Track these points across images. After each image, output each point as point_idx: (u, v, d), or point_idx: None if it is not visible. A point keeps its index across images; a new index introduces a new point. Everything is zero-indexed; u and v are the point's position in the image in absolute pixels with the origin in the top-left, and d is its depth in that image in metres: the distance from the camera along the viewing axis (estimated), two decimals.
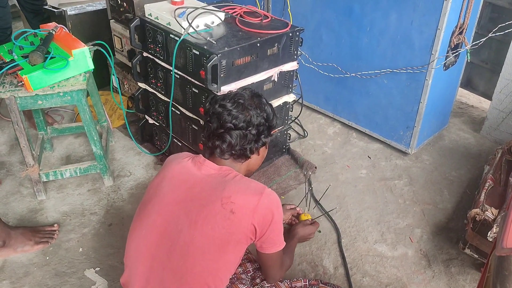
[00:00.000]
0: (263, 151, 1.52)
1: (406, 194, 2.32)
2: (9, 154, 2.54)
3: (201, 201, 1.27)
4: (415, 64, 2.31)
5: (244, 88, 1.52)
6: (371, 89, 2.57)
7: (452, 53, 2.32)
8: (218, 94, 1.97)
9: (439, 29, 2.15)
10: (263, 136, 1.44)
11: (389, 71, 2.43)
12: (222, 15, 2.18)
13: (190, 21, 2.01)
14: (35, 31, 2.15)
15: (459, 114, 3.01)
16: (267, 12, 2.84)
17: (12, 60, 1.96)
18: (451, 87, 2.63)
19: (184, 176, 1.35)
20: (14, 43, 2.05)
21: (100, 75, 2.83)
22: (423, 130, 2.52)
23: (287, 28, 2.14)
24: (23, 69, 1.92)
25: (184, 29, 2.00)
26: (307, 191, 2.28)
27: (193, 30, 2.01)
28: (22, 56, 1.98)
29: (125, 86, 2.90)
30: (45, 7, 2.82)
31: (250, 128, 1.39)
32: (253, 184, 1.34)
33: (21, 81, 1.93)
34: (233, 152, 1.40)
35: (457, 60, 2.43)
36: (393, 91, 2.47)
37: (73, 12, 2.85)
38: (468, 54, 2.37)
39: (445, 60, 2.29)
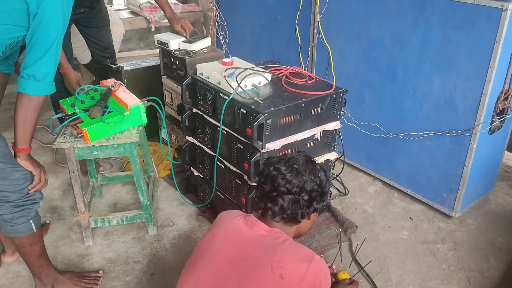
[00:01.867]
0: (314, 216, 1.54)
1: (450, 259, 2.26)
2: (61, 198, 2.68)
3: (252, 262, 1.31)
4: (459, 127, 2.31)
5: (298, 152, 1.56)
6: (413, 150, 2.58)
7: (498, 118, 2.32)
8: (263, 151, 2.04)
9: (483, 94, 2.16)
10: (315, 202, 1.46)
11: (432, 133, 2.44)
12: (269, 76, 2.29)
13: (239, 81, 2.13)
14: (96, 86, 2.32)
15: (506, 178, 2.94)
16: (311, 72, 2.95)
17: (74, 113, 2.12)
18: (497, 150, 2.59)
19: (236, 235, 1.40)
20: (76, 97, 2.23)
21: (150, 126, 2.96)
22: (467, 194, 2.48)
23: (331, 90, 2.22)
24: (83, 122, 2.07)
25: (233, 88, 2.12)
26: (340, 246, 2.26)
27: (242, 90, 2.12)
28: (83, 110, 2.14)
29: (173, 137, 3.03)
30: (104, 63, 3.04)
31: (302, 194, 1.42)
32: (303, 250, 1.36)
33: (80, 133, 2.07)
34: (284, 216, 1.43)
35: (503, 124, 2.42)
36: (436, 153, 2.46)
37: (129, 68, 3.06)
38: None
39: (491, 125, 2.28)
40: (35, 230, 1.85)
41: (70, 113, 2.14)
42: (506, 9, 1.98)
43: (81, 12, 2.73)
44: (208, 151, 2.41)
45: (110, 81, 2.36)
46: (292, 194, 1.41)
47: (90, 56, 3.31)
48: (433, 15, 2.25)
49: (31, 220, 1.82)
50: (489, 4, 2.02)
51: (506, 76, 2.21)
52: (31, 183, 1.80)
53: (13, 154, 1.78)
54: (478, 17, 2.08)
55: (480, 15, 2.07)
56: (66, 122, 2.09)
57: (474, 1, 2.07)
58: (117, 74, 2.97)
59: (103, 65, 3.07)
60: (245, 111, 2.05)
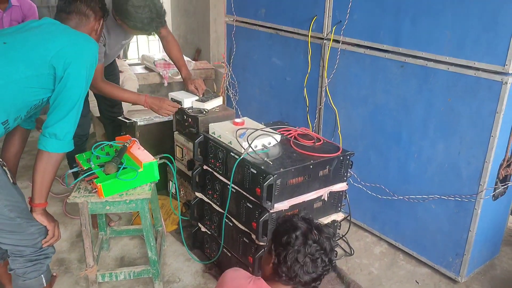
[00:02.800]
0: None
1: None
2: (69, 251, 2.70)
3: None
4: (463, 192, 2.36)
5: (318, 227, 1.53)
6: (418, 212, 2.61)
7: (501, 185, 2.37)
8: (272, 211, 2.09)
9: (486, 161, 2.23)
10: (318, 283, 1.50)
11: (437, 197, 2.49)
12: (278, 137, 2.38)
13: (249, 142, 2.21)
14: (111, 142, 2.41)
15: (511, 243, 2.94)
16: (319, 133, 3.05)
17: (89, 169, 2.19)
18: (501, 216, 2.63)
19: None
20: (92, 153, 2.31)
21: (159, 179, 3.02)
22: (473, 258, 2.48)
23: (339, 152, 2.30)
24: (98, 177, 2.14)
25: (244, 148, 2.20)
26: None
27: (252, 150, 2.20)
28: (98, 165, 2.22)
29: (181, 192, 3.09)
30: (119, 117, 3.15)
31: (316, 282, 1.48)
32: None
33: (95, 188, 2.13)
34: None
35: (506, 191, 2.47)
36: (442, 216, 2.50)
37: (142, 123, 3.17)
38: None
39: (494, 191, 2.33)
40: (45, 285, 1.88)
41: (85, 168, 2.21)
42: (506, 83, 2.08)
43: None
44: (217, 208, 2.45)
45: (126, 138, 2.45)
46: (323, 274, 1.47)
47: None
48: (436, 85, 2.36)
49: (42, 275, 1.86)
50: (490, 77, 2.13)
51: (508, 144, 2.28)
52: (45, 237, 1.85)
53: (29, 209, 1.84)
54: (479, 88, 2.19)
55: (481, 87, 2.18)
56: (81, 177, 2.16)
57: (475, 74, 2.18)
58: (131, 129, 3.07)
59: (116, 120, 3.18)
60: (255, 171, 2.11)
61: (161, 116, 3.05)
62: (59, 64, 1.71)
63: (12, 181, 1.78)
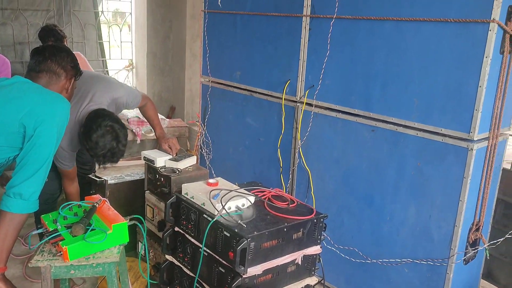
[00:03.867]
0: None
1: None
2: None
3: None
4: (435, 256, 2.37)
5: None
6: (391, 276, 2.59)
7: (472, 249, 2.40)
8: (244, 276, 2.03)
9: (456, 225, 2.27)
10: None
11: (409, 261, 2.48)
12: (252, 199, 2.36)
13: (223, 204, 2.18)
14: (80, 202, 2.34)
15: None
16: (292, 193, 3.05)
17: (55, 230, 2.10)
18: (473, 280, 2.64)
19: None
20: (59, 213, 2.23)
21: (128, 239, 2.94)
22: None
23: (312, 215, 2.29)
24: (64, 239, 2.05)
25: (218, 210, 2.16)
26: None
27: (226, 212, 2.17)
28: (65, 227, 2.13)
29: (151, 254, 2.99)
30: (89, 176, 3.09)
31: None
32: None
33: (60, 251, 2.04)
34: None
35: (477, 254, 2.49)
36: (414, 280, 2.49)
37: (112, 182, 3.11)
38: (487, 251, 2.44)
39: (465, 255, 2.35)
40: None
41: (51, 229, 2.12)
42: (472, 149, 2.17)
43: None
44: (188, 272, 2.37)
45: (96, 198, 2.38)
46: None
47: None
48: (406, 149, 2.43)
49: None
50: (456, 144, 2.22)
51: (476, 209, 2.34)
52: None
53: None
54: (446, 154, 2.26)
55: (449, 152, 2.25)
56: (46, 239, 2.06)
57: (443, 140, 2.27)
58: (101, 187, 3.01)
59: (86, 178, 3.11)
60: (228, 234, 2.07)
61: (132, 174, 3.00)
62: (30, 123, 1.68)
63: None
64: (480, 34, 2.09)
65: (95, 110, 2.45)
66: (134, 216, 2.35)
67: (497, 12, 2.02)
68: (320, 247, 2.37)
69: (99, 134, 2.33)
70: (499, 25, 2.05)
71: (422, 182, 2.39)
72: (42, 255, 2.05)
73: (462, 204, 2.23)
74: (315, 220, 2.29)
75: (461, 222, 2.25)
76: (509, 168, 3.23)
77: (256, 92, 3.29)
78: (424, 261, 2.42)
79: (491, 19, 2.04)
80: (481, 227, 2.39)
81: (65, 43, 3.84)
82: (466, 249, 2.36)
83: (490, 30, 2.05)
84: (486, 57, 2.08)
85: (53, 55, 1.98)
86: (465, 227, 2.30)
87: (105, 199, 2.37)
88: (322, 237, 2.36)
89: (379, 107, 2.53)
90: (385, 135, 2.52)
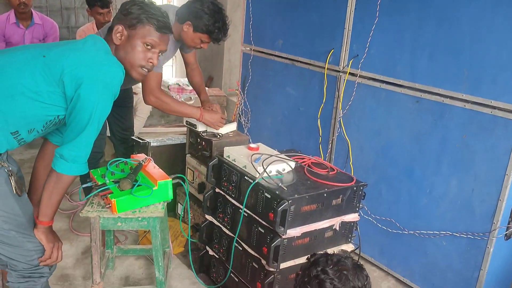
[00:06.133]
0: None
1: None
2: (74, 267, 2.67)
3: None
4: (475, 230, 2.35)
5: (346, 256, 1.51)
6: (428, 248, 2.59)
7: None
8: (284, 237, 2.08)
9: (500, 200, 2.23)
10: None
11: (448, 233, 2.47)
12: (292, 164, 2.39)
13: (264, 167, 2.22)
14: (127, 160, 2.42)
15: None
16: (330, 163, 3.06)
17: (104, 184, 2.19)
18: None
19: None
20: (107, 169, 2.32)
21: None
22: None
23: (352, 182, 2.30)
24: (112, 193, 2.14)
25: (259, 173, 2.21)
26: None
27: (267, 175, 2.21)
28: (113, 181, 2.22)
29: (190, 214, 3.08)
30: (132, 137, 3.18)
31: None
32: None
33: (108, 204, 2.13)
34: None
35: None
36: (452, 254, 2.48)
37: (155, 144, 3.19)
38: None
39: (507, 230, 2.32)
40: None
41: (100, 183, 2.21)
42: None
43: None
44: (227, 231, 2.44)
45: (141, 156, 2.46)
46: None
47: None
48: (451, 121, 2.39)
49: None
50: (506, 116, 2.16)
51: None
52: (42, 256, 1.80)
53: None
54: (495, 126, 2.21)
55: (497, 125, 2.20)
56: (95, 191, 2.16)
57: (492, 112, 2.22)
58: (144, 149, 3.09)
59: (128, 141, 3.20)
60: (269, 196, 2.11)
61: (173, 139, 3.08)
62: (70, 83, 1.63)
63: (16, 193, 1.71)
64: None
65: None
66: (178, 175, 2.42)
67: None
68: (358, 215, 2.39)
69: (207, 11, 2.59)
70: None
71: (466, 155, 2.35)
72: (91, 207, 2.15)
73: (508, 178, 2.18)
74: (354, 188, 2.30)
75: (505, 197, 2.21)
76: None
77: (297, 61, 3.28)
78: (464, 235, 2.40)
79: None
80: None
81: (110, 8, 3.91)
82: (508, 224, 2.32)
83: None
84: None
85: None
86: (509, 201, 2.26)
87: (150, 158, 2.44)
88: (360, 205, 2.37)
89: (425, 78, 2.48)
90: (430, 107, 2.48)
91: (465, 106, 2.32)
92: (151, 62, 1.86)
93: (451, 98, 2.38)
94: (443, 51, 2.38)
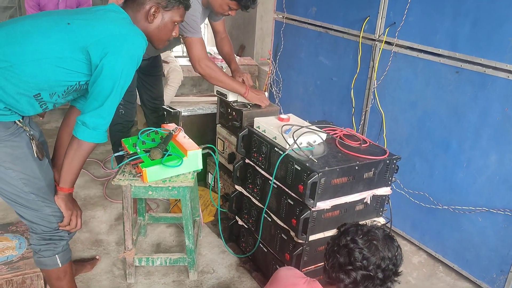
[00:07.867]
0: None
1: None
2: (107, 233, 2.75)
3: None
4: None
5: (378, 227, 1.50)
6: (463, 224, 2.52)
7: None
8: (313, 209, 2.06)
9: None
10: (389, 282, 1.41)
11: (485, 209, 2.39)
12: (324, 136, 2.34)
13: (295, 138, 2.18)
14: (158, 129, 2.43)
15: None
16: (363, 134, 2.99)
17: (135, 153, 2.22)
18: None
19: None
20: (138, 138, 2.34)
21: None
22: None
23: (385, 156, 2.24)
24: (143, 162, 2.16)
25: (289, 145, 2.17)
26: None
27: (297, 147, 2.17)
28: (144, 151, 2.24)
29: (220, 184, 3.10)
30: (163, 106, 3.19)
31: (378, 272, 1.38)
32: None
33: (139, 173, 2.16)
34: None
35: None
36: (488, 230, 2.40)
37: (186, 114, 3.20)
38: None
39: None
40: (60, 266, 1.86)
41: (131, 152, 2.24)
42: None
43: (144, 60, 2.89)
44: (256, 202, 2.44)
45: (171, 126, 2.47)
46: (367, 271, 1.37)
47: None
48: (494, 93, 2.27)
49: (56, 255, 1.84)
50: None
51: None
52: (61, 222, 1.84)
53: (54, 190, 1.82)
54: None
55: None
56: (127, 160, 2.19)
57: None
58: (175, 118, 3.10)
59: (159, 110, 3.21)
60: (299, 168, 2.09)
61: (204, 108, 3.07)
62: (96, 52, 1.65)
63: (37, 156, 1.73)
64: None
65: None
66: (208, 145, 2.42)
67: None
68: (390, 189, 2.33)
69: None
70: None
71: (508, 129, 2.24)
72: (123, 175, 2.18)
73: None
74: (387, 161, 2.24)
75: None
76: None
77: (331, 29, 3.17)
78: (501, 211, 2.31)
79: None
80: None
81: None
82: None
83: None
84: None
85: None
86: None
87: (180, 127, 2.44)
88: (393, 179, 2.31)
89: (467, 47, 2.35)
90: (471, 77, 2.36)
91: (508, 77, 2.19)
92: (175, 34, 1.97)
93: (494, 68, 2.25)
94: (487, 18, 2.24)
